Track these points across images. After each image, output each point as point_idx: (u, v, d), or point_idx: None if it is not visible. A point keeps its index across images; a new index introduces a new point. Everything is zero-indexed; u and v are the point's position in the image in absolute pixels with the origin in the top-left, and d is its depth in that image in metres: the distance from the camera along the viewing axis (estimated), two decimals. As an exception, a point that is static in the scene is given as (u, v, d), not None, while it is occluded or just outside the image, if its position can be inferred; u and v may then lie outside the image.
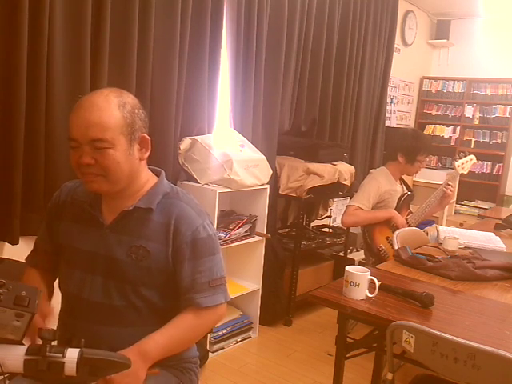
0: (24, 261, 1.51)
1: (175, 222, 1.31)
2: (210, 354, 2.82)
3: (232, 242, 2.88)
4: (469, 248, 2.48)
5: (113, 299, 1.32)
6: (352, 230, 3.85)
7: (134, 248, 1.31)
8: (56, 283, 1.46)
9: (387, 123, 5.06)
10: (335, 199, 4.05)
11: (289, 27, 3.29)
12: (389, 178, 3.07)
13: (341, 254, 3.84)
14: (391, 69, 4.72)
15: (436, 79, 5.92)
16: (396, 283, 1.85)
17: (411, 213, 3.12)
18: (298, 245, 3.35)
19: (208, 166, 2.74)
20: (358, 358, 1.88)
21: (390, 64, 4.67)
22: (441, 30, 5.75)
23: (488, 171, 5.65)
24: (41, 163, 2.17)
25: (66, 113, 2.14)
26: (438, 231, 2.73)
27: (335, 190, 3.53)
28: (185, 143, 2.79)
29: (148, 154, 1.34)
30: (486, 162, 5.65)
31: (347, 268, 1.74)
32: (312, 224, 3.94)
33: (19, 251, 1.51)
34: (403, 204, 3.07)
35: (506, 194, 5.72)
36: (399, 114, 5.63)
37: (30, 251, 1.51)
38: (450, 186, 3.00)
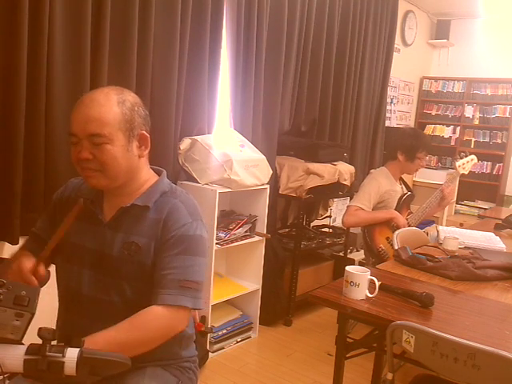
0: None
1: (165, 217, 1.32)
2: (210, 354, 2.82)
3: (232, 241, 2.88)
4: (469, 248, 2.48)
5: (110, 295, 1.33)
6: (352, 230, 3.84)
7: (127, 244, 1.32)
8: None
9: (387, 123, 5.06)
10: (335, 199, 4.05)
11: (289, 27, 3.29)
12: (389, 178, 3.07)
13: (341, 254, 3.84)
14: (391, 69, 4.72)
15: (436, 79, 5.92)
16: (396, 283, 1.85)
17: (411, 213, 3.12)
18: (298, 245, 3.35)
19: (208, 166, 2.74)
20: (358, 358, 1.87)
21: (390, 64, 4.68)
22: (441, 30, 5.75)
23: (488, 171, 5.65)
24: (41, 163, 2.17)
25: (66, 113, 2.15)
26: (438, 231, 2.72)
27: (335, 190, 3.53)
28: (185, 143, 2.79)
29: (147, 151, 1.35)
30: (485, 162, 5.65)
31: (347, 268, 1.74)
32: (312, 224, 3.94)
33: (19, 251, 1.51)
34: (403, 204, 3.07)
35: (506, 194, 5.72)
36: (399, 113, 5.63)
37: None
38: (447, 185, 3.01)
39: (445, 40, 5.72)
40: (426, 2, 5.30)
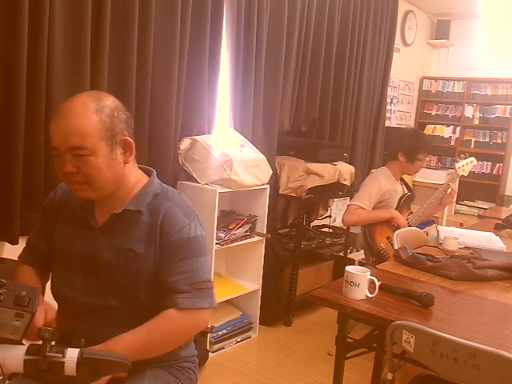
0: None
1: (161, 222, 1.30)
2: (209, 353, 2.82)
3: (232, 241, 2.88)
4: (469, 248, 2.48)
5: (106, 300, 1.32)
6: (352, 229, 3.85)
7: (124, 250, 1.30)
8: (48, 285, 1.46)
9: (387, 123, 5.06)
10: (335, 199, 4.05)
11: (289, 27, 3.29)
12: (390, 177, 3.07)
13: (341, 254, 3.84)
14: (391, 69, 4.72)
15: (436, 79, 5.92)
16: (396, 283, 1.85)
17: (412, 213, 3.12)
18: (298, 245, 3.35)
19: (208, 166, 2.74)
20: (358, 358, 1.87)
21: (390, 64, 4.67)
22: (441, 30, 5.75)
23: (488, 171, 5.65)
24: (41, 163, 2.17)
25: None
26: (438, 231, 2.73)
27: (335, 190, 3.53)
28: (185, 143, 2.79)
29: (133, 156, 1.32)
30: (485, 162, 5.65)
31: (347, 268, 1.74)
32: (312, 224, 3.94)
33: (19, 251, 1.50)
34: (404, 204, 3.07)
35: (506, 194, 5.72)
36: (399, 113, 5.63)
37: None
38: (452, 186, 3.02)
39: (445, 40, 5.72)
40: (426, 2, 5.29)
